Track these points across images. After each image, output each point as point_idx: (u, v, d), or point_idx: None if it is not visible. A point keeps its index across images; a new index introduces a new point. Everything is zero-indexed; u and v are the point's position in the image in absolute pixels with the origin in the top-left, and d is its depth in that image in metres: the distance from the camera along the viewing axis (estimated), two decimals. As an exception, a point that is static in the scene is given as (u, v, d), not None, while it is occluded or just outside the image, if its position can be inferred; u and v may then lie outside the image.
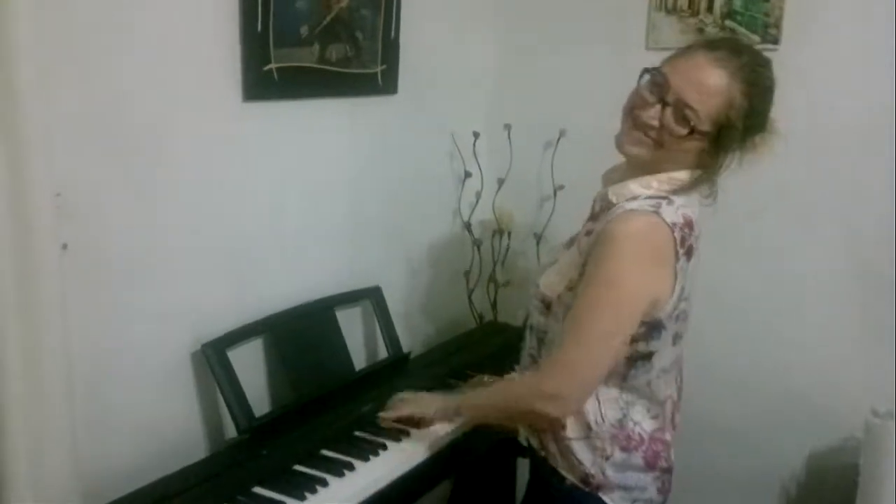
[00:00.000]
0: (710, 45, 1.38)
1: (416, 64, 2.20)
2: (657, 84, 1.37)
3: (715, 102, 1.34)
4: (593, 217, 1.48)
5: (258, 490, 1.53)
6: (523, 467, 2.45)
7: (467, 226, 2.46)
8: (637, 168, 1.42)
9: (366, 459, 1.66)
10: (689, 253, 1.37)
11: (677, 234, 1.34)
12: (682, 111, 1.34)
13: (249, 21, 1.73)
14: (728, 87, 1.34)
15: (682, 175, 1.40)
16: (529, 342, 1.56)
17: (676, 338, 1.45)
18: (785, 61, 2.04)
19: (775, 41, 2.10)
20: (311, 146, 1.98)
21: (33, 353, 1.35)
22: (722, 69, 1.34)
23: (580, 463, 1.44)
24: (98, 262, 1.54)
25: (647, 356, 1.41)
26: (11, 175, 1.28)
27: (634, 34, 2.27)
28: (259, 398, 1.86)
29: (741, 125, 1.35)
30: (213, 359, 1.69)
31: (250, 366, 1.85)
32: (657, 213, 1.34)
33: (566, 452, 1.46)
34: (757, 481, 2.26)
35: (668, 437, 1.51)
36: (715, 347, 2.19)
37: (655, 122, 1.37)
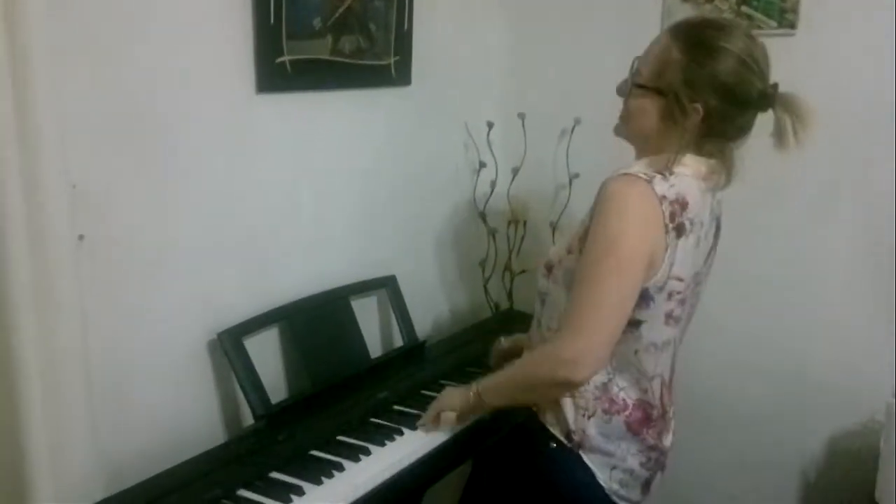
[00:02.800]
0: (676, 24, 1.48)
1: (429, 55, 2.21)
2: (632, 68, 1.49)
3: (653, 60, 1.43)
4: None
5: (275, 475, 1.55)
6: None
7: (482, 215, 2.47)
8: (639, 153, 1.51)
9: (382, 444, 1.67)
10: (679, 230, 1.39)
11: (665, 208, 1.37)
12: (634, 79, 1.46)
13: (262, 13, 1.75)
14: (667, 47, 1.42)
15: (683, 159, 1.43)
16: (537, 307, 1.61)
17: (669, 318, 1.46)
18: (802, 46, 2.05)
19: (792, 26, 2.08)
20: (325, 138, 2.00)
21: (50, 346, 1.38)
22: (667, 35, 1.44)
23: (565, 419, 1.49)
24: (114, 253, 1.57)
25: (635, 324, 1.43)
26: (27, 167, 1.30)
27: (649, 21, 2.25)
28: (276, 386, 1.89)
29: (679, 79, 1.39)
30: (230, 346, 1.71)
31: (267, 354, 1.87)
32: (649, 182, 1.38)
33: (554, 406, 1.50)
34: (777, 466, 2.25)
35: (654, 413, 1.52)
36: (734, 333, 2.18)
37: (623, 98, 1.50)
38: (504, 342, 1.97)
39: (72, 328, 1.42)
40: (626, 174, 1.40)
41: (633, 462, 1.51)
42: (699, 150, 1.43)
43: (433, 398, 1.86)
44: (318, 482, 1.53)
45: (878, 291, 2.06)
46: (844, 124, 2.04)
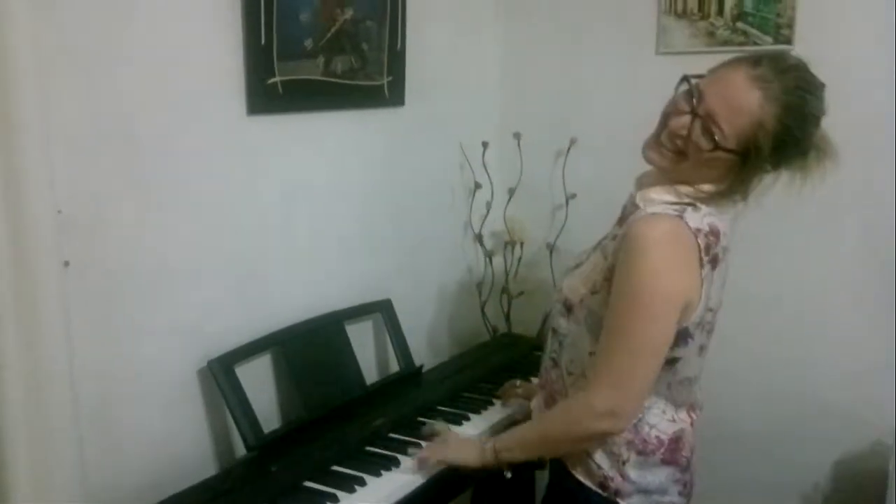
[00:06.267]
0: (755, 61, 1.33)
1: (422, 75, 2.19)
2: (691, 94, 1.35)
3: (742, 122, 1.29)
4: (621, 220, 1.46)
5: (268, 508, 1.51)
6: (542, 479, 2.42)
7: (478, 237, 2.44)
8: (665, 176, 1.40)
9: (377, 475, 1.63)
10: (714, 262, 1.35)
11: (701, 241, 1.32)
12: (709, 126, 1.31)
13: (252, 34, 1.72)
14: (760, 109, 1.29)
15: (708, 188, 1.37)
16: (551, 345, 1.54)
17: (702, 349, 1.43)
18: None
19: (788, 41, 2.07)
20: (318, 159, 1.97)
21: (35, 375, 1.33)
22: (758, 89, 1.29)
23: (598, 468, 1.43)
24: (102, 278, 1.53)
25: (672, 362, 1.39)
26: (11, 192, 1.27)
27: (644, 38, 2.24)
28: (269, 414, 1.84)
29: (768, 148, 1.30)
30: (220, 375, 1.67)
31: (259, 381, 1.83)
32: (681, 217, 1.32)
33: (584, 458, 1.44)
34: (785, 489, 2.21)
35: (686, 439, 1.48)
36: (740, 354, 2.14)
37: (684, 132, 1.34)
38: (519, 387, 1.92)
39: (58, 356, 1.37)
40: (653, 214, 1.34)
41: (673, 493, 1.46)
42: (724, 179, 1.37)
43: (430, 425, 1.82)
44: (313, 514, 1.49)
45: (884, 312, 2.03)
46: (843, 139, 2.02)
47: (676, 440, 1.45)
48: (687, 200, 1.35)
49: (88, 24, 1.45)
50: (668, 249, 1.31)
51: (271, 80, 1.78)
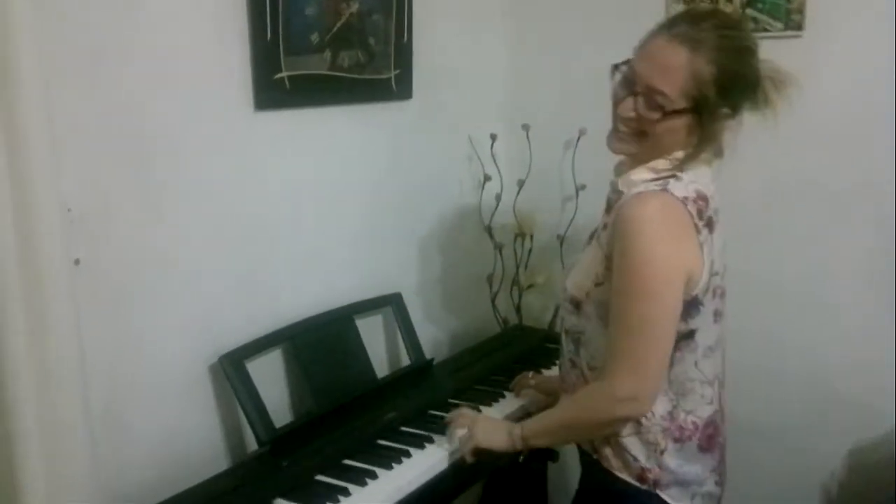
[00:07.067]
0: (669, 24, 1.37)
1: (430, 67, 2.18)
2: (626, 76, 1.39)
3: (679, 78, 1.32)
4: (608, 209, 1.48)
5: (280, 502, 1.51)
6: (553, 472, 2.42)
7: (488, 229, 2.43)
8: (637, 159, 1.42)
9: (389, 468, 1.63)
10: (709, 225, 1.36)
11: (691, 208, 1.33)
12: (652, 97, 1.34)
13: (258, 29, 1.72)
14: (690, 61, 1.32)
15: (680, 154, 1.39)
16: (567, 346, 1.54)
17: (717, 315, 1.43)
18: (809, 47, 2.01)
19: (799, 27, 2.04)
20: (326, 154, 1.97)
21: (46, 372, 1.34)
22: (681, 45, 1.33)
23: (635, 459, 1.42)
24: (112, 276, 1.54)
25: (689, 335, 1.38)
26: (19, 190, 1.27)
27: (652, 27, 2.22)
28: (280, 409, 1.85)
29: (714, 93, 1.33)
30: (231, 371, 1.67)
31: (270, 377, 1.83)
32: (665, 189, 1.34)
33: (620, 451, 1.43)
34: (797, 479, 2.20)
35: (718, 419, 1.48)
36: (751, 345, 2.12)
37: (632, 113, 1.37)
38: (532, 378, 1.92)
39: (69, 353, 1.38)
40: (638, 194, 1.35)
41: (710, 483, 1.46)
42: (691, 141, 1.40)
43: (442, 418, 1.82)
44: (324, 509, 1.49)
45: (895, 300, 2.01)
46: (854, 126, 2.01)
47: (712, 424, 1.45)
48: (666, 174, 1.37)
49: (94, 20, 1.45)
50: (660, 225, 1.32)
51: (278, 76, 1.78)
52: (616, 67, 1.41)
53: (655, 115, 1.34)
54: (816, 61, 1.99)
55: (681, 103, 1.33)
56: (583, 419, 1.46)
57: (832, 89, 1.99)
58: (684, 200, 1.33)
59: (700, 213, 1.34)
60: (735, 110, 1.37)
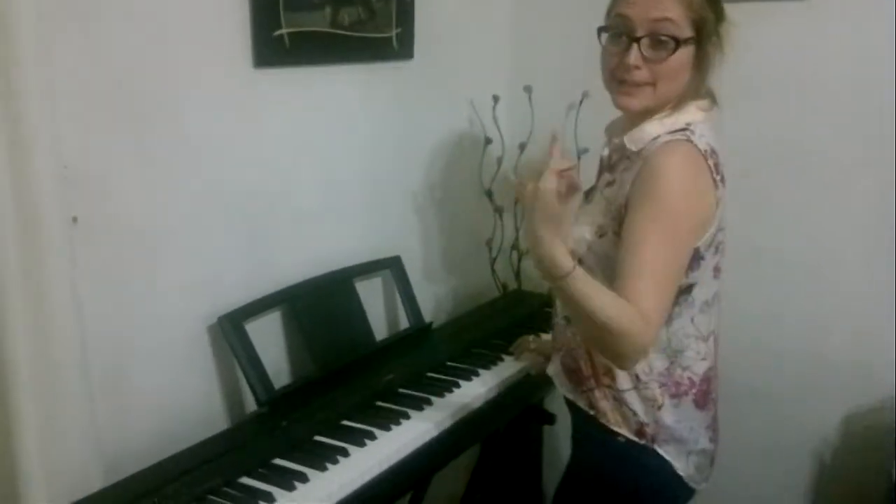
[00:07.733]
0: None
1: (432, 27, 2.14)
2: (619, 29, 1.35)
3: (678, 7, 1.32)
4: (610, 168, 1.45)
5: (278, 462, 1.52)
6: (549, 434, 2.43)
7: (489, 193, 2.41)
8: (639, 116, 1.39)
9: (388, 429, 1.63)
10: (723, 180, 1.36)
11: (711, 162, 1.33)
12: (657, 33, 1.32)
13: (258, -15, 1.69)
14: None
15: (680, 94, 1.37)
16: (561, 305, 1.51)
17: (716, 270, 1.42)
18: (812, 14, 1.97)
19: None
20: (326, 113, 1.94)
21: (44, 333, 1.34)
22: None
23: (634, 414, 1.42)
24: (110, 235, 1.52)
25: (688, 289, 1.38)
26: (15, 148, 1.25)
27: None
28: (279, 371, 1.85)
29: (710, 11, 1.34)
30: (230, 331, 1.67)
31: (270, 338, 1.83)
32: (690, 141, 1.32)
33: (619, 405, 1.43)
34: (792, 445, 2.22)
35: (712, 375, 1.48)
36: (748, 311, 2.13)
37: (640, 63, 1.34)
38: (532, 342, 1.92)
39: (65, 313, 1.38)
40: (667, 142, 1.33)
41: (704, 441, 1.47)
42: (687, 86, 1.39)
43: (440, 381, 1.83)
44: (323, 468, 1.49)
45: (892, 269, 2.00)
46: (855, 95, 1.98)
47: (706, 380, 1.46)
48: (680, 125, 1.35)
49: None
50: (689, 174, 1.31)
51: (278, 32, 1.74)
52: (604, 28, 1.39)
53: (666, 52, 1.32)
54: (819, 29, 1.96)
55: (687, 31, 1.33)
56: (608, 311, 1.24)
57: (834, 58, 1.97)
58: (705, 154, 1.32)
59: (717, 167, 1.34)
60: (718, 36, 1.37)
